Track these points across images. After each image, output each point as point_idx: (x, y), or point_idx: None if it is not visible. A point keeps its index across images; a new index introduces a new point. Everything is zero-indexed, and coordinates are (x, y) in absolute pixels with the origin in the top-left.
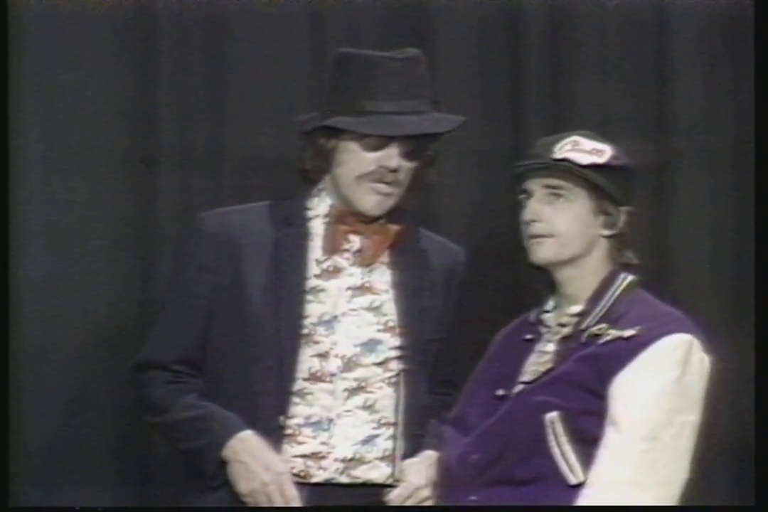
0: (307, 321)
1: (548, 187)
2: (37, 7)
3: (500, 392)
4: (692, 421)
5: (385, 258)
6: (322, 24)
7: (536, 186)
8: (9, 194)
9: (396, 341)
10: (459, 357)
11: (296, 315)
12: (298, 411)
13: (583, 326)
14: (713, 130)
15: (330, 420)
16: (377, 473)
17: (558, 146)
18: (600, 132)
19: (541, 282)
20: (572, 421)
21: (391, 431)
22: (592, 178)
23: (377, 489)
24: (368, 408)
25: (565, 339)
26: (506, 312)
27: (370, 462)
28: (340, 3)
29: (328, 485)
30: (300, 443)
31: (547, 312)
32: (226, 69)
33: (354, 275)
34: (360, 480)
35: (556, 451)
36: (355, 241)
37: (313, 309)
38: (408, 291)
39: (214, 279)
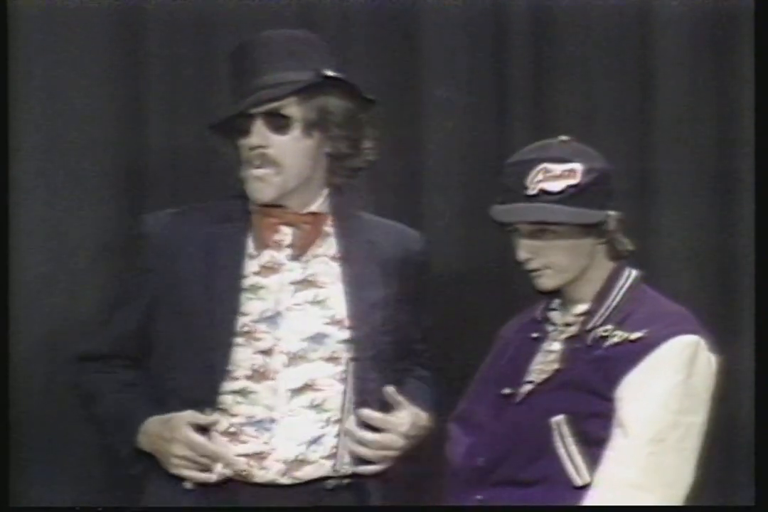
0: (247, 319)
1: (533, 223)
2: (35, 6)
3: (507, 390)
4: (698, 422)
5: (331, 250)
6: (311, 24)
7: (522, 223)
8: (9, 194)
9: (344, 334)
10: (425, 338)
11: (232, 313)
12: (241, 410)
13: (589, 326)
14: (697, 130)
15: (273, 420)
16: (323, 471)
17: (529, 179)
18: (583, 131)
19: None
20: (579, 424)
21: (337, 428)
22: (566, 222)
23: (321, 486)
24: (315, 407)
25: (570, 338)
26: (495, 309)
27: (315, 462)
28: (330, 2)
29: (269, 486)
30: (242, 442)
31: (554, 309)
32: (215, 68)
33: (294, 270)
34: (302, 481)
35: (562, 452)
36: (287, 233)
37: (254, 307)
38: (357, 284)
39: (154, 279)
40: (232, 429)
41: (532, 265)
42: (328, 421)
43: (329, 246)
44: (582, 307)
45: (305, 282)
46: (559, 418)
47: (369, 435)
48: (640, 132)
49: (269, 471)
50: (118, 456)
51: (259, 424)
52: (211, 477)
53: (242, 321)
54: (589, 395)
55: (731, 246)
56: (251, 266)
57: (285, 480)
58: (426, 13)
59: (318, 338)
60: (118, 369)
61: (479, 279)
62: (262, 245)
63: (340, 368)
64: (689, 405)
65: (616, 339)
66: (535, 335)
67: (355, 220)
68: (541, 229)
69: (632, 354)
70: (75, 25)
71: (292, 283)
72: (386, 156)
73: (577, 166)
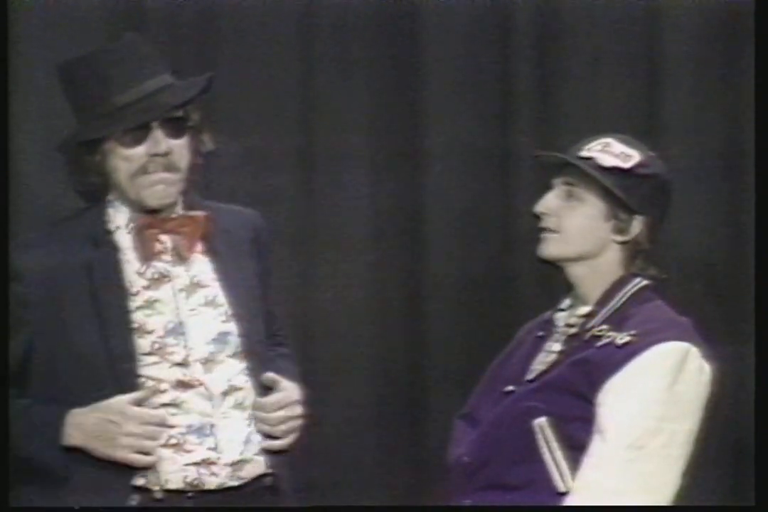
0: (154, 336)
1: (566, 183)
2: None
3: (509, 388)
4: (685, 430)
5: (199, 247)
6: (312, 24)
7: (558, 180)
8: (9, 193)
9: (239, 328)
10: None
11: (127, 342)
12: (178, 420)
13: (589, 326)
14: (705, 133)
15: (212, 426)
16: (260, 468)
17: (589, 145)
18: (590, 133)
19: (554, 282)
20: (562, 427)
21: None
22: (602, 181)
23: (261, 484)
24: (239, 406)
25: (570, 339)
26: (495, 311)
27: (251, 460)
28: (330, 3)
29: (220, 491)
30: (188, 451)
31: (562, 310)
32: (216, 66)
33: (181, 276)
34: (247, 480)
35: (548, 457)
36: (166, 241)
37: (156, 322)
38: (228, 274)
39: (34, 314)
40: (173, 441)
41: (545, 223)
42: (250, 418)
43: (202, 244)
44: (585, 309)
45: (193, 286)
46: (541, 421)
47: (273, 415)
48: (646, 134)
49: (219, 476)
50: (40, 461)
51: (200, 431)
52: (153, 459)
53: (150, 339)
54: (571, 397)
55: (740, 249)
56: (141, 282)
57: (234, 482)
58: (428, 13)
59: (221, 338)
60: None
61: (482, 281)
62: (149, 258)
63: (245, 363)
64: (674, 412)
65: (606, 341)
66: (540, 334)
67: (214, 213)
68: (569, 191)
69: (617, 359)
70: (75, 24)
71: (182, 290)
72: (388, 157)
73: (636, 155)
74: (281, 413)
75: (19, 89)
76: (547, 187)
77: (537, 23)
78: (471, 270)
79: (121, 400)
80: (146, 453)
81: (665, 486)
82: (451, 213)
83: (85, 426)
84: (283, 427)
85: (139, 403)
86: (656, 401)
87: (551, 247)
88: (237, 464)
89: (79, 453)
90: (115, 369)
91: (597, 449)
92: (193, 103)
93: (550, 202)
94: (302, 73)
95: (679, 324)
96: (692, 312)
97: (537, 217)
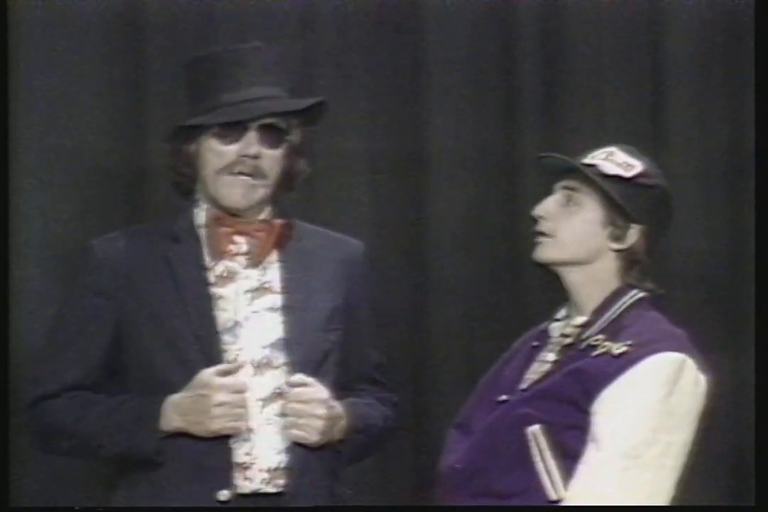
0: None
1: (566, 188)
2: (36, 7)
3: (503, 397)
4: (680, 441)
5: (275, 256)
6: (313, 26)
7: (559, 185)
8: (8, 204)
9: (296, 337)
10: (375, 356)
11: (211, 324)
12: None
13: (584, 336)
14: (709, 139)
15: (251, 430)
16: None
17: (594, 153)
18: (594, 140)
19: (556, 290)
20: (556, 435)
21: None
22: (602, 185)
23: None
24: (286, 415)
25: (565, 349)
26: (499, 318)
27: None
28: (332, 5)
29: (255, 496)
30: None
31: (557, 320)
32: None
33: (250, 277)
34: (286, 489)
35: (540, 466)
36: (241, 242)
37: (218, 318)
38: (295, 288)
39: (115, 304)
40: None
41: (540, 226)
42: None
43: (275, 251)
44: (581, 319)
45: (261, 290)
46: (535, 429)
47: (291, 405)
48: (648, 140)
49: (253, 481)
50: (137, 450)
51: (238, 435)
52: (242, 426)
53: (218, 331)
54: (566, 406)
55: (732, 263)
56: (209, 278)
57: (270, 489)
58: (431, 16)
59: (279, 344)
60: (85, 394)
61: (486, 287)
62: (218, 256)
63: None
64: (669, 423)
65: (602, 350)
66: (535, 343)
67: (297, 228)
68: (569, 196)
69: (612, 369)
70: (75, 27)
71: (248, 291)
72: (390, 162)
73: (638, 165)
74: (301, 406)
75: (19, 88)
76: (550, 193)
77: (541, 27)
78: (474, 276)
79: (206, 373)
80: (239, 420)
81: (659, 495)
82: (454, 218)
83: (181, 406)
84: (301, 421)
85: (223, 375)
86: (652, 411)
87: (546, 251)
88: (275, 471)
89: (177, 439)
90: (203, 349)
91: (591, 457)
92: (299, 124)
93: (549, 206)
94: (303, 75)
95: (675, 335)
96: (691, 323)
97: (535, 221)
